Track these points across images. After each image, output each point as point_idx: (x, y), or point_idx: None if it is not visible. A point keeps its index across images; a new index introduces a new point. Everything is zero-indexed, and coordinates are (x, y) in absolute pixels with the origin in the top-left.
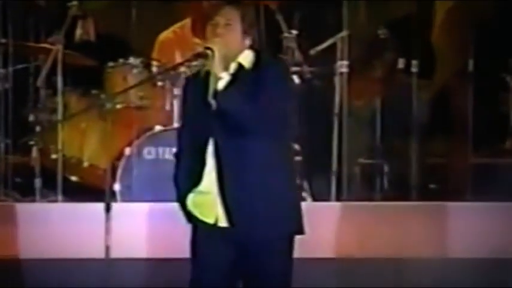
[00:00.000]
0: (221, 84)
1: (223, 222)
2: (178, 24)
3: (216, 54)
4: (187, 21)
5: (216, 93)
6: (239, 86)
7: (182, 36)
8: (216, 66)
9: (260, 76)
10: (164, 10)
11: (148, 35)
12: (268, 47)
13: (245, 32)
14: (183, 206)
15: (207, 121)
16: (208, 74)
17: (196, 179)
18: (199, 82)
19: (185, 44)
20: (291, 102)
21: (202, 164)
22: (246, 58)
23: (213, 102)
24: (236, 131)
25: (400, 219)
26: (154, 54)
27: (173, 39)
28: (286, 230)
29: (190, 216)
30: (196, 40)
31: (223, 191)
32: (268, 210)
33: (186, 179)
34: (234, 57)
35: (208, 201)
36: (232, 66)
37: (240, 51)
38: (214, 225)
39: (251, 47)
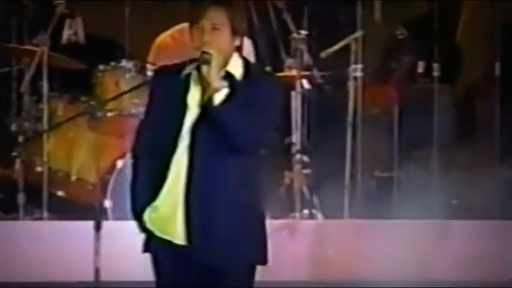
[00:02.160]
0: (218, 98)
1: (180, 240)
2: (177, 28)
3: (214, 61)
4: (186, 26)
5: (208, 103)
6: (235, 103)
7: (181, 41)
8: (212, 74)
9: (253, 92)
10: (159, 9)
11: (142, 35)
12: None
13: (234, 33)
14: (139, 220)
15: (178, 124)
16: (189, 74)
17: (156, 187)
18: (178, 79)
19: (184, 50)
20: (277, 122)
21: (166, 169)
22: (236, 67)
23: (194, 108)
24: (222, 146)
25: (420, 238)
26: (151, 60)
27: (171, 44)
28: (250, 259)
29: (147, 232)
30: None
31: (188, 202)
32: (237, 234)
33: (145, 186)
34: (224, 64)
35: (167, 216)
36: (222, 75)
37: (230, 56)
38: (176, 243)
39: (238, 50)
